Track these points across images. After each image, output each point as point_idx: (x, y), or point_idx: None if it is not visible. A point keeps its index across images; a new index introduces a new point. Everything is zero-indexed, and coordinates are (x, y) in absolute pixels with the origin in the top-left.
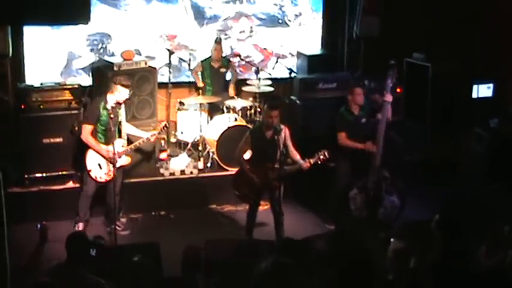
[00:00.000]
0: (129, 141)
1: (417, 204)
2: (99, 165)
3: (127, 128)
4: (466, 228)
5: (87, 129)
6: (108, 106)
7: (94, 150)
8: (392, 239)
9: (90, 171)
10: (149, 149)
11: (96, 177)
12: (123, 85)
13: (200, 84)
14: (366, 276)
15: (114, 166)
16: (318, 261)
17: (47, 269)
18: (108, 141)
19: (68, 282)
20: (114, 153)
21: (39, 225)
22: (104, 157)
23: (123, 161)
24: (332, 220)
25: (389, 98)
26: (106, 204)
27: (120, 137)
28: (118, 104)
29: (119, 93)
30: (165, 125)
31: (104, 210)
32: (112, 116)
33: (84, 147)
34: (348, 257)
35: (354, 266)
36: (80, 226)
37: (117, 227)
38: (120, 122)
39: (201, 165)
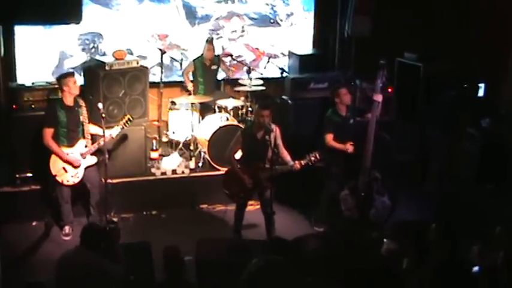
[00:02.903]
0: (95, 141)
1: (408, 204)
2: (64, 168)
3: (90, 128)
4: (458, 229)
5: (47, 133)
6: (65, 106)
7: (56, 155)
8: (385, 240)
9: (55, 176)
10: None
11: (63, 181)
12: (69, 75)
13: (190, 87)
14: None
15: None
16: (311, 260)
17: (59, 258)
18: (70, 143)
19: (79, 268)
20: (76, 157)
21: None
22: (66, 161)
23: (89, 161)
24: (321, 222)
25: (379, 97)
26: (90, 205)
27: (83, 137)
28: (75, 101)
29: (68, 87)
30: (128, 118)
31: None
32: (71, 115)
33: (47, 152)
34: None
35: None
36: (67, 229)
37: None
38: (82, 122)
39: (192, 164)
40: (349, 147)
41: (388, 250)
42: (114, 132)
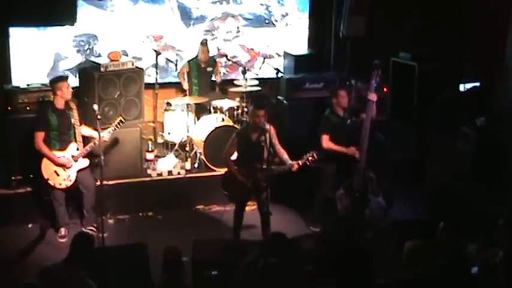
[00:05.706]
0: (87, 144)
1: (403, 204)
2: (56, 172)
3: (82, 130)
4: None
5: (38, 137)
6: (57, 109)
7: (47, 158)
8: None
9: (48, 179)
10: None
11: (55, 184)
12: (62, 79)
13: (185, 86)
14: (365, 278)
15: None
16: (306, 260)
17: (41, 267)
18: (62, 146)
19: (64, 282)
20: (68, 159)
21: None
22: (58, 164)
23: (81, 164)
24: (317, 222)
25: (373, 97)
26: (83, 208)
27: (75, 140)
28: (66, 104)
29: (61, 92)
30: (120, 120)
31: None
32: (62, 119)
33: (39, 156)
34: (350, 259)
35: (355, 269)
36: (62, 231)
37: (92, 229)
38: (73, 125)
39: (188, 165)
40: (355, 151)
41: (409, 248)
42: (106, 134)
